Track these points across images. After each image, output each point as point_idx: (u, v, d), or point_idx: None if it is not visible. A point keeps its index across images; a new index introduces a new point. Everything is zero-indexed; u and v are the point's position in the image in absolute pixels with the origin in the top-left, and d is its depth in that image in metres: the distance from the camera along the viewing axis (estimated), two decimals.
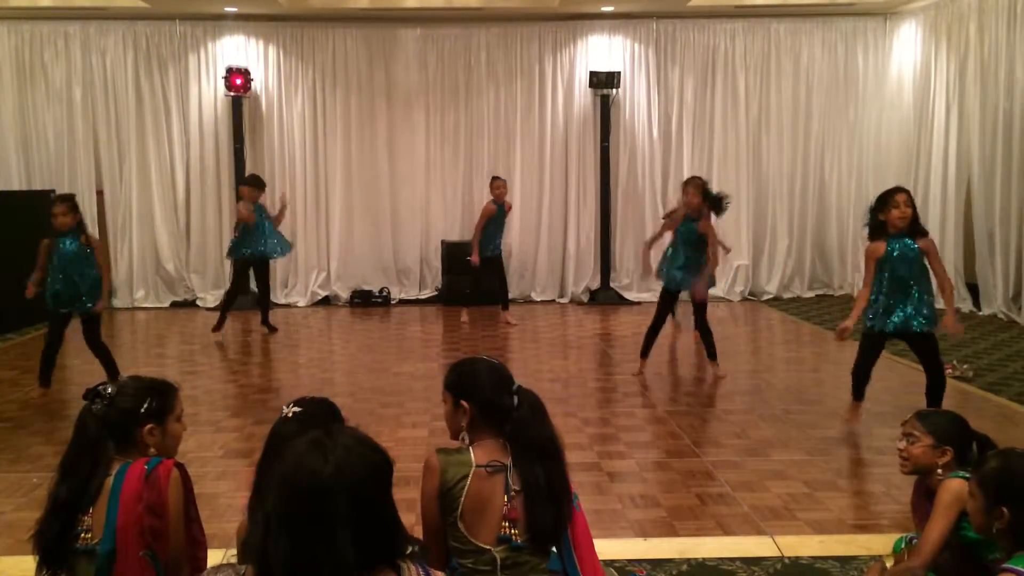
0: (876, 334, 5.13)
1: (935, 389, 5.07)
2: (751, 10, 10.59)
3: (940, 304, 5.22)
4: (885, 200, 5.00)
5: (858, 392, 5.35)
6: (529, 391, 2.53)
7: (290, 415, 2.37)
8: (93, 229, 10.58)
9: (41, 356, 6.24)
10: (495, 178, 9.22)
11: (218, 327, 8.58)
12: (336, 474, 1.58)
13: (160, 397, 2.49)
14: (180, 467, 2.38)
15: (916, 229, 5.00)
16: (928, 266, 5.05)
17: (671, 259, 6.64)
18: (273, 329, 8.82)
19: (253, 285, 9.54)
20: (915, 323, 4.98)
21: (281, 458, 1.65)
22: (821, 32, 10.81)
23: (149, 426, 2.43)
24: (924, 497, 2.83)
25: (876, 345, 5.21)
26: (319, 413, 2.39)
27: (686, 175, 10.72)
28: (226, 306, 8.73)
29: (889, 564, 2.79)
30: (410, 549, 1.78)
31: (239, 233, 8.65)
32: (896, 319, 5.01)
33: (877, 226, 5.04)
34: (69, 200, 6.15)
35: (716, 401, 6.23)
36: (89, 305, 6.06)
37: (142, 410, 2.42)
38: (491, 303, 9.56)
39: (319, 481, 1.57)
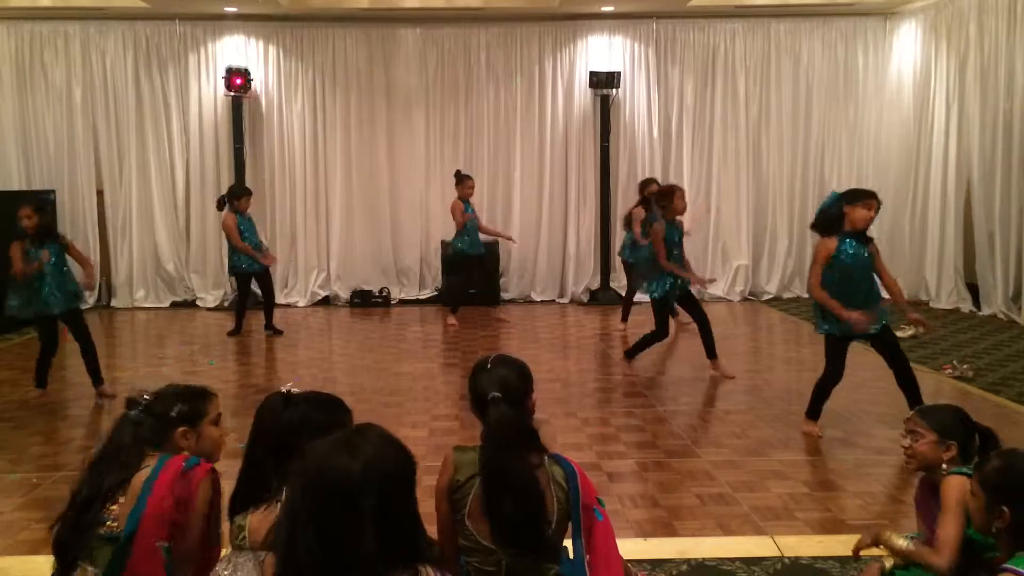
0: (841, 339, 5.01)
1: (908, 379, 5.06)
2: (751, 10, 10.59)
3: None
4: (858, 196, 4.91)
5: (818, 410, 5.22)
6: (502, 411, 2.35)
7: (283, 390, 2.37)
8: (92, 229, 10.66)
9: (39, 361, 6.28)
10: (469, 176, 9.20)
11: (235, 331, 8.80)
12: (364, 471, 1.60)
13: (191, 402, 2.58)
14: (214, 473, 2.47)
15: (865, 233, 4.96)
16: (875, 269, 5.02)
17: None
18: (279, 332, 8.86)
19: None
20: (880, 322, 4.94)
21: (309, 454, 1.66)
22: (821, 32, 10.81)
23: (182, 429, 2.53)
24: (929, 494, 2.82)
25: (844, 351, 5.08)
26: (314, 399, 2.37)
27: (686, 175, 10.83)
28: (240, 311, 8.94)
29: (888, 564, 2.78)
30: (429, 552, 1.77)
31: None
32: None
33: (836, 218, 4.89)
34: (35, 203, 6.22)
35: (716, 401, 6.23)
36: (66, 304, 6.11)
37: (172, 414, 2.52)
38: (485, 303, 9.75)
39: (347, 478, 1.59)
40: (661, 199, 6.67)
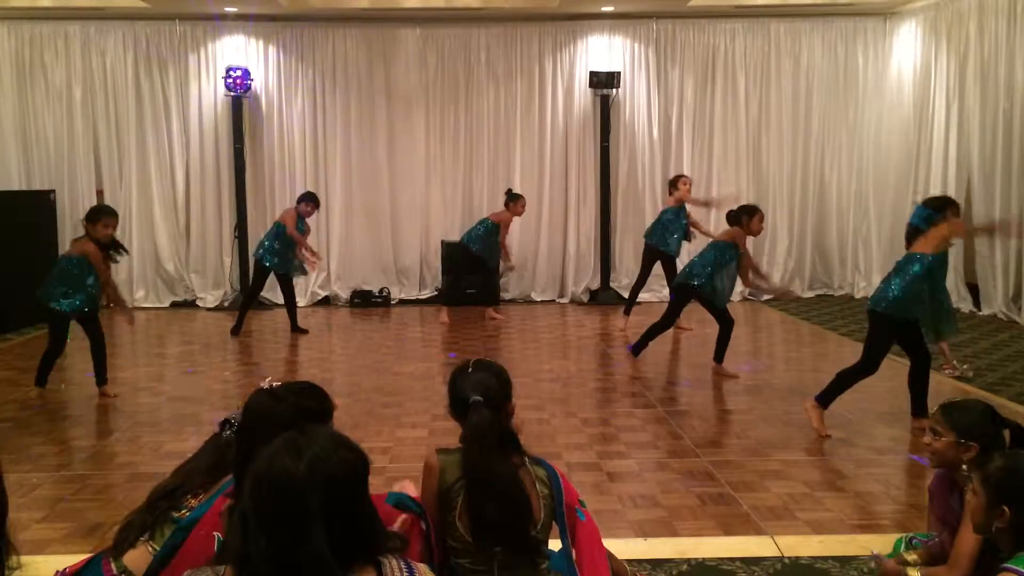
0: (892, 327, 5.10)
1: (922, 383, 5.22)
2: (751, 10, 10.59)
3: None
4: (947, 206, 5.05)
5: (832, 399, 5.27)
6: (483, 415, 2.37)
7: (265, 386, 2.36)
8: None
9: (46, 359, 6.24)
10: (521, 196, 9.38)
11: (236, 330, 8.78)
12: (308, 473, 1.60)
13: None
14: None
15: None
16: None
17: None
18: (304, 331, 8.89)
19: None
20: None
21: (258, 457, 1.66)
22: (821, 32, 10.81)
23: None
24: (947, 489, 2.80)
25: (890, 345, 5.19)
26: (298, 389, 2.39)
27: (686, 175, 10.81)
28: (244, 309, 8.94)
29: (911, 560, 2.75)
30: (397, 547, 1.78)
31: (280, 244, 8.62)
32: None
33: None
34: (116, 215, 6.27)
35: (716, 401, 6.23)
36: (87, 308, 6.12)
37: None
38: (484, 303, 9.84)
39: (291, 479, 1.59)
40: (745, 215, 6.66)
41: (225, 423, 2.55)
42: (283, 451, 1.64)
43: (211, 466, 2.47)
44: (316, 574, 1.57)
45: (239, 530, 1.62)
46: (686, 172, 10.83)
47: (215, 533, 2.27)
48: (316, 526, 1.57)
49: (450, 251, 10.26)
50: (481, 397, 2.40)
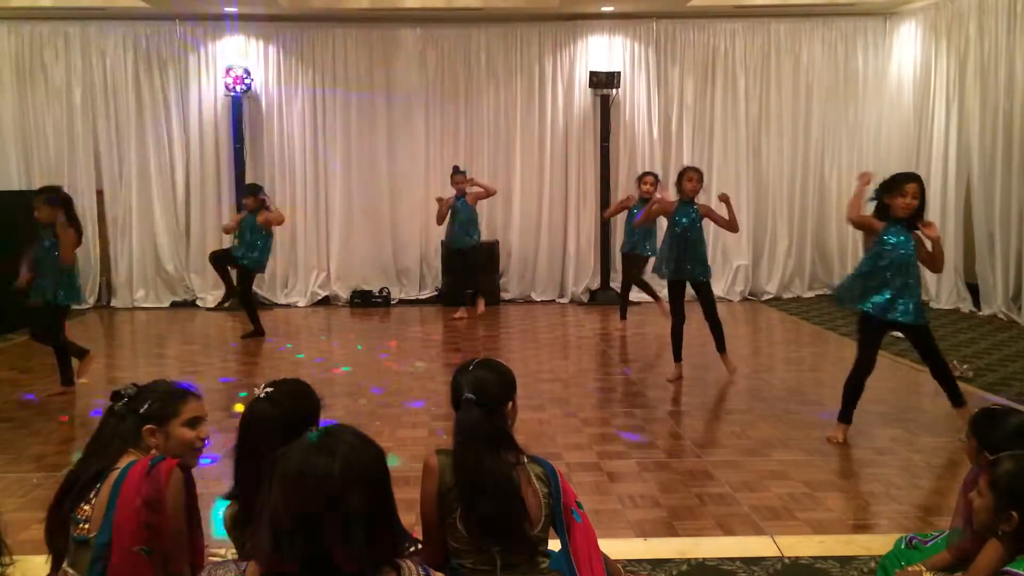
0: (878, 324, 4.90)
1: (943, 376, 5.08)
2: (751, 10, 10.59)
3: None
4: (892, 186, 4.77)
5: (850, 411, 5.06)
6: (471, 413, 2.38)
7: (262, 395, 2.41)
8: (93, 228, 10.64)
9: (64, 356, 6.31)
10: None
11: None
12: (345, 470, 1.61)
13: (163, 401, 2.56)
14: (185, 470, 2.43)
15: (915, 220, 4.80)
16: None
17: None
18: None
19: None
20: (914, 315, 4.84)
21: (285, 459, 1.66)
22: (821, 32, 10.81)
23: (149, 427, 2.52)
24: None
25: (878, 339, 4.99)
26: (292, 392, 2.44)
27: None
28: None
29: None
30: (412, 548, 1.78)
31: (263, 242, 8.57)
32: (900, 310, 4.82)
33: (881, 208, 4.83)
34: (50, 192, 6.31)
35: (716, 401, 6.23)
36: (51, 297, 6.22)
37: (141, 411, 2.52)
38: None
39: (330, 479, 1.60)
40: None
41: (117, 395, 2.56)
42: (316, 451, 1.64)
43: (102, 456, 2.45)
44: (350, 573, 1.57)
45: (268, 530, 1.61)
46: None
47: (136, 549, 2.27)
48: (356, 524, 1.58)
49: (450, 251, 10.25)
50: (473, 395, 2.40)
